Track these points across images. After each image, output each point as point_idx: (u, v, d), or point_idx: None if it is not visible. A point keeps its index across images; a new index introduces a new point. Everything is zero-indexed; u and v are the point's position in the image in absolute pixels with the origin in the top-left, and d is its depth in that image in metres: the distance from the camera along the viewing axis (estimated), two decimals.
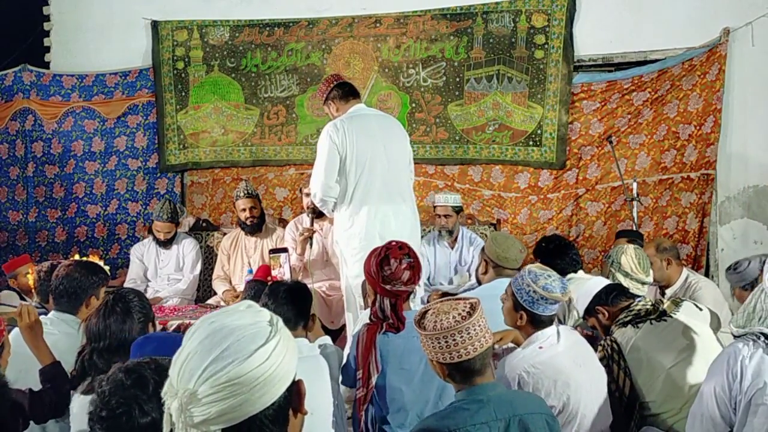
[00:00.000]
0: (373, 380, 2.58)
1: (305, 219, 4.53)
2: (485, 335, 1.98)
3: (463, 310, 1.98)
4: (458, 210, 4.73)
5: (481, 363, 1.98)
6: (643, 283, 3.46)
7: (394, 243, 2.75)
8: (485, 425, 1.89)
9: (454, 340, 1.94)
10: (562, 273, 3.82)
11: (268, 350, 1.11)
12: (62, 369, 2.50)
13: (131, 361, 1.76)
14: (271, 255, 4.22)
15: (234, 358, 1.09)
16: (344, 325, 4.33)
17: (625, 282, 3.39)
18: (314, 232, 4.33)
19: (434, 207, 4.77)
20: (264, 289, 3.39)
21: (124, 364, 1.70)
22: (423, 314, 2.03)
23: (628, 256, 3.39)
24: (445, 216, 4.68)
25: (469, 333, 1.94)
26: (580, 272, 3.88)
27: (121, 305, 2.40)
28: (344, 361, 2.81)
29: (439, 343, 1.95)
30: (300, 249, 4.32)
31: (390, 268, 2.65)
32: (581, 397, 2.47)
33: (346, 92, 3.89)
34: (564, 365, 2.47)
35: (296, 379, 1.18)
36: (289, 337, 1.19)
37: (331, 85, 3.88)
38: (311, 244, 4.28)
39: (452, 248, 4.76)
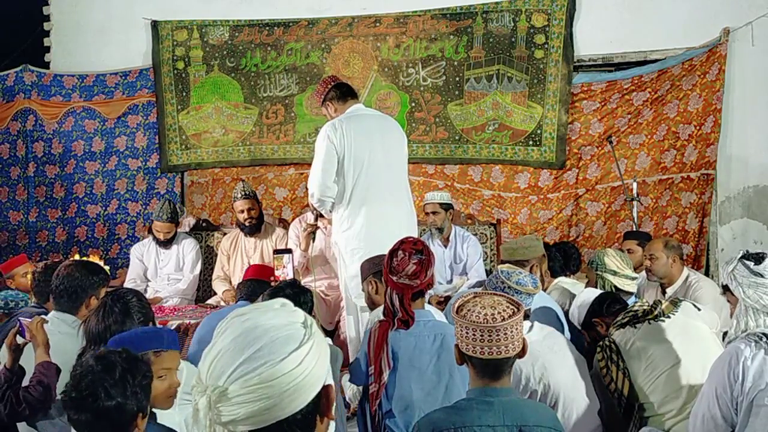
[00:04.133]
0: (385, 376, 2.59)
1: (309, 216, 4.55)
2: (519, 340, 1.98)
3: (507, 308, 1.98)
4: (446, 207, 4.72)
5: (506, 366, 1.99)
6: (632, 279, 3.52)
7: (410, 238, 2.77)
8: (491, 428, 1.90)
9: (490, 336, 1.93)
10: None
11: (301, 354, 1.09)
12: (53, 369, 2.51)
13: (104, 349, 1.87)
14: (275, 255, 4.22)
15: (267, 360, 1.06)
16: (338, 323, 4.33)
17: (615, 280, 3.48)
18: (317, 227, 4.34)
19: (423, 206, 4.77)
20: (258, 288, 3.39)
21: (94, 352, 1.85)
22: (465, 302, 2.04)
23: (610, 256, 3.57)
24: (434, 213, 4.68)
25: (506, 333, 1.94)
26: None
27: (119, 306, 2.40)
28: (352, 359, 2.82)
29: (474, 334, 1.95)
30: (304, 245, 4.35)
31: (397, 259, 2.67)
32: (560, 379, 2.60)
33: (344, 92, 3.89)
34: (539, 351, 2.61)
35: (326, 383, 1.14)
36: (323, 340, 1.15)
37: (329, 86, 3.88)
38: (314, 239, 4.30)
39: (446, 247, 4.75)
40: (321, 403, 1.13)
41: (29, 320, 2.52)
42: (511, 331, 1.95)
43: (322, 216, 4.31)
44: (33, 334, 2.49)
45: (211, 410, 1.06)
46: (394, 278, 2.65)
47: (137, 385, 1.78)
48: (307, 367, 1.09)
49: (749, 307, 2.24)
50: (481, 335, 1.94)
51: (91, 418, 1.73)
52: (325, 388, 1.14)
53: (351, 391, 3.16)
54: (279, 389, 1.06)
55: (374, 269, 3.04)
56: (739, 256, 2.35)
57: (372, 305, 3.09)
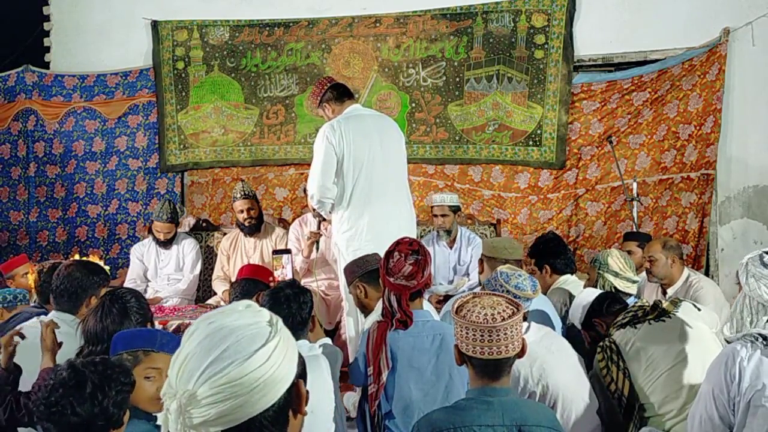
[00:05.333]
0: (384, 376, 2.59)
1: (311, 219, 4.52)
2: (518, 340, 1.99)
3: (507, 309, 1.99)
4: (455, 209, 4.72)
5: (506, 366, 2.00)
6: (633, 282, 3.53)
7: (406, 239, 2.75)
8: (490, 428, 1.91)
9: (490, 336, 1.94)
10: None
11: (268, 351, 1.10)
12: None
13: (79, 360, 1.86)
14: (274, 256, 4.22)
15: (233, 359, 1.07)
16: (338, 323, 4.33)
17: (616, 282, 3.49)
18: (321, 235, 4.31)
19: (431, 207, 4.77)
20: (253, 288, 3.38)
21: (74, 360, 1.84)
22: (465, 303, 2.04)
23: (614, 257, 3.56)
24: (442, 216, 4.68)
25: (506, 333, 1.95)
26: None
27: (117, 306, 2.39)
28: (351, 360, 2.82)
29: (474, 334, 1.96)
30: (306, 252, 4.33)
31: (393, 261, 2.66)
32: (559, 380, 2.59)
33: (341, 93, 3.87)
34: (537, 352, 2.59)
35: (296, 380, 1.16)
36: (289, 337, 1.17)
37: (325, 88, 3.86)
38: (317, 248, 4.28)
39: (451, 248, 4.75)
40: (292, 399, 1.15)
41: (31, 322, 2.51)
42: (511, 331, 1.96)
43: (324, 220, 4.29)
44: (42, 337, 2.48)
45: (182, 414, 1.07)
46: (391, 279, 2.65)
47: (109, 400, 1.77)
48: (275, 363, 1.10)
49: (746, 296, 2.26)
50: (481, 335, 1.94)
51: (59, 431, 1.74)
52: (296, 385, 1.16)
53: (354, 408, 3.16)
54: (247, 387, 1.07)
55: (359, 272, 3.03)
56: (764, 250, 2.34)
57: (363, 309, 3.08)
